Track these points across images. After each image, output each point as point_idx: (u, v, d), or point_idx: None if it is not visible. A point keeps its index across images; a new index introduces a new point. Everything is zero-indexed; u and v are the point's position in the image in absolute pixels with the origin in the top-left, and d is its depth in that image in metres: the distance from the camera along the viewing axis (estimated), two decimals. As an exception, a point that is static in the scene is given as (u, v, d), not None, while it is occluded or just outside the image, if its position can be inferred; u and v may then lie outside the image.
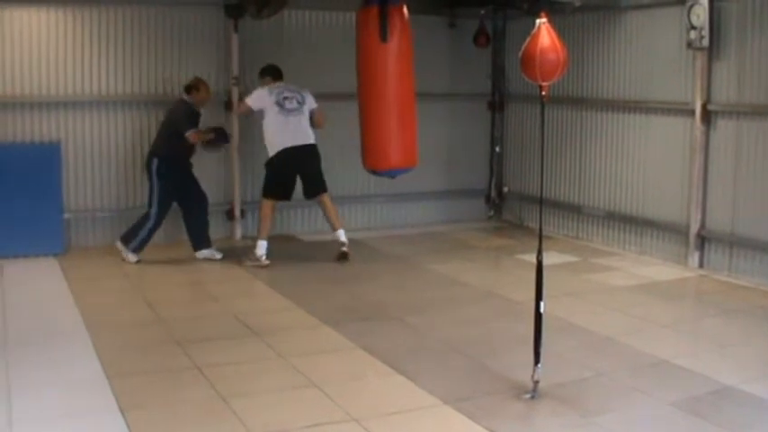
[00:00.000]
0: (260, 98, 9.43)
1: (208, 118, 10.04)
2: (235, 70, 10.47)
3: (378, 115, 7.99)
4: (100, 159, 10.12)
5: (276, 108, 9.35)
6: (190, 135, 9.21)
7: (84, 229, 10.12)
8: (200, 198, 9.67)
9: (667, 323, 7.41)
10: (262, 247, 9.34)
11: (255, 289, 8.56)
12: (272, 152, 9.41)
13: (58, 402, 5.46)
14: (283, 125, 9.35)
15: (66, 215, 9.85)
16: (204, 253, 9.63)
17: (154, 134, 10.07)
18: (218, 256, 9.63)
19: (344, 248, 9.57)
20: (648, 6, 9.74)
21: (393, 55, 7.78)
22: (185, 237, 9.72)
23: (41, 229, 9.55)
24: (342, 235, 9.62)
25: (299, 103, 9.45)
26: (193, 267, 9.29)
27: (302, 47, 10.82)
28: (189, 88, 9.48)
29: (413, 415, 5.35)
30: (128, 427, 5.05)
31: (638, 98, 9.96)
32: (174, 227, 9.89)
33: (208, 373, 5.98)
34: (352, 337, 6.83)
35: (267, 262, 9.30)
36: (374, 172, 8.45)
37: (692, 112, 9.13)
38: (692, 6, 8.83)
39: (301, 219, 11.18)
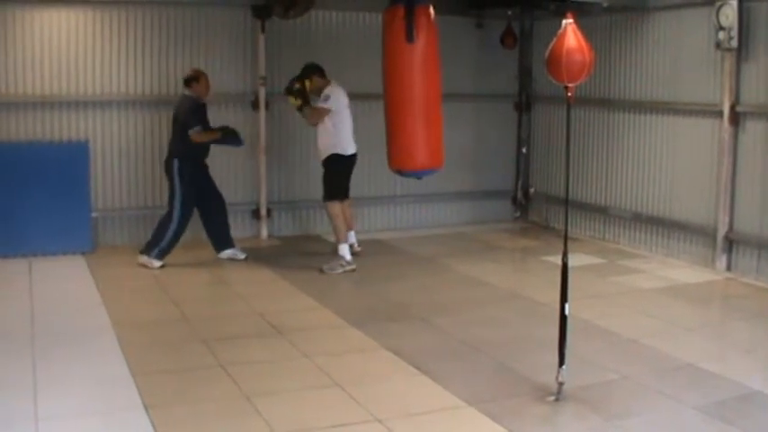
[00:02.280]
0: (339, 98, 9.22)
1: (235, 117, 10.10)
2: (262, 70, 10.51)
3: (403, 116, 8.00)
4: (128, 158, 10.19)
5: (347, 110, 9.27)
6: (193, 134, 9.07)
7: (112, 228, 10.19)
8: (218, 198, 9.61)
9: (693, 326, 7.37)
10: (347, 250, 9.17)
11: (281, 289, 8.57)
12: (350, 151, 9.25)
13: (84, 399, 5.50)
14: (351, 126, 9.30)
15: (93, 214, 9.92)
16: (227, 253, 9.62)
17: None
18: (242, 256, 9.62)
19: (357, 248, 9.64)
20: (676, 7, 9.67)
21: (419, 55, 7.78)
22: (206, 237, 9.70)
23: (69, 227, 9.64)
24: (352, 236, 9.65)
25: None
26: (219, 267, 9.32)
27: (329, 47, 10.83)
28: (188, 81, 9.31)
29: (436, 416, 5.35)
30: (152, 424, 5.08)
31: (666, 99, 9.90)
32: (200, 227, 9.88)
33: (232, 371, 6.01)
34: (376, 337, 6.84)
35: (354, 266, 9.14)
36: (400, 172, 8.46)
37: (721, 114, 9.07)
38: (720, 7, 8.77)
39: (325, 219, 11.17)
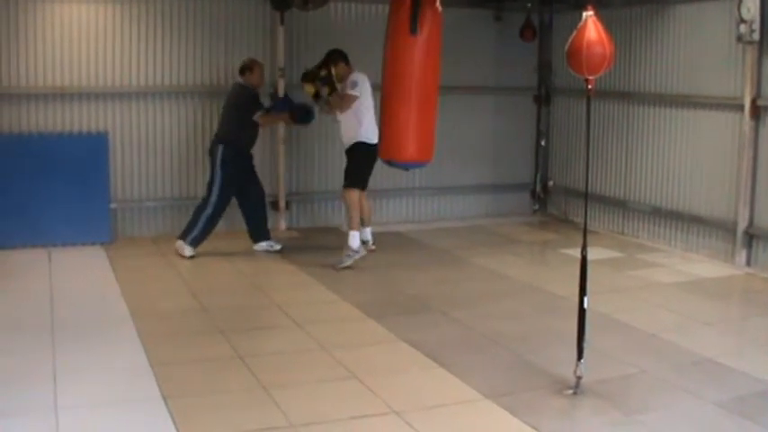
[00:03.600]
0: (364, 85, 9.06)
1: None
2: (281, 62, 10.51)
3: (398, 107, 7.90)
4: (147, 150, 10.22)
5: (371, 98, 9.11)
6: (258, 118, 9.12)
7: (131, 219, 10.23)
8: (259, 190, 9.64)
9: (712, 321, 7.33)
10: (356, 239, 8.99)
11: (300, 280, 8.57)
12: (375, 140, 8.82)
13: (103, 389, 5.52)
14: (374, 115, 9.06)
15: (112, 205, 9.96)
16: (263, 245, 9.62)
17: (200, 124, 10.19)
18: (277, 247, 9.60)
19: (371, 246, 9.51)
20: (697, 0, 9.61)
21: (420, 48, 7.69)
22: (228, 228, 9.74)
23: (89, 217, 9.70)
24: (368, 233, 9.57)
25: None
26: (238, 258, 9.32)
27: (348, 39, 10.81)
28: (243, 70, 9.36)
29: (454, 409, 5.34)
30: (170, 414, 5.10)
31: (686, 93, 9.84)
32: (230, 217, 9.87)
33: (250, 362, 6.02)
34: (394, 329, 6.84)
35: (364, 252, 9.03)
36: (389, 163, 8.32)
37: (741, 108, 9.01)
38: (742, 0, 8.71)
39: (343, 210, 11.19)
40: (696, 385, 5.71)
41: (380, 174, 10.31)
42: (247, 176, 9.50)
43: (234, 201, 9.52)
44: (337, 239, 10.21)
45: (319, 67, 9.29)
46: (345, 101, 9.07)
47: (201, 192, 10.25)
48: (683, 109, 9.92)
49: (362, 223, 9.46)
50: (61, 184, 9.54)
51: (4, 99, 9.54)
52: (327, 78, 9.20)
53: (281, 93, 10.41)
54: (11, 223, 9.37)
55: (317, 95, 9.37)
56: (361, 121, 9.09)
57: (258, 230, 9.67)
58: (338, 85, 9.21)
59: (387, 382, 5.70)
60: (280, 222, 10.81)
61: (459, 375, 5.82)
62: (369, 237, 9.57)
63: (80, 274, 8.64)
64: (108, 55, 9.93)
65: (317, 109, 9.64)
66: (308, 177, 11.01)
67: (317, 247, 9.68)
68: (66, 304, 7.45)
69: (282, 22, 10.47)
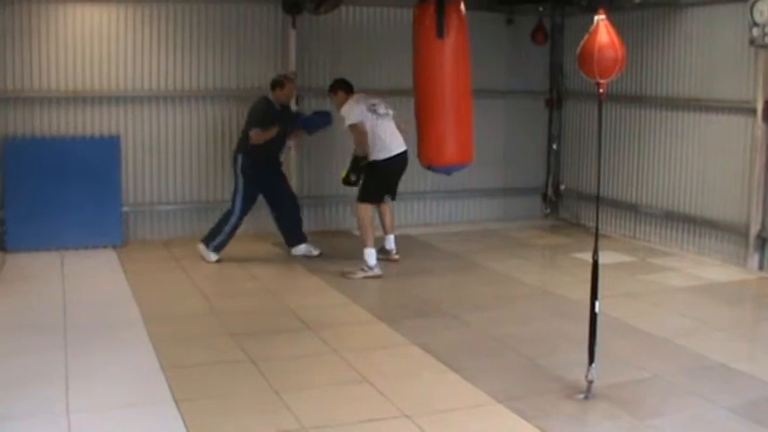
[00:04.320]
0: (356, 111, 8.88)
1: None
2: (293, 66, 10.52)
3: (433, 112, 7.97)
4: (159, 153, 10.25)
5: (372, 114, 8.86)
6: (252, 134, 9.05)
7: (142, 222, 10.26)
8: (289, 195, 9.61)
9: (725, 326, 7.31)
10: (372, 256, 8.77)
11: (311, 284, 8.58)
12: (383, 156, 8.84)
13: (115, 392, 5.53)
14: (390, 129, 8.90)
15: (124, 208, 9.99)
16: (301, 249, 9.59)
17: (212, 128, 10.24)
18: (316, 252, 9.56)
19: (394, 255, 9.46)
20: (710, 3, 9.58)
21: (449, 51, 7.75)
22: (240, 232, 9.73)
23: (101, 221, 9.74)
24: (391, 242, 9.51)
25: (386, 107, 9.03)
26: (249, 262, 9.32)
27: (359, 43, 10.85)
28: (273, 85, 9.30)
29: (465, 413, 5.33)
30: (182, 418, 5.10)
31: (698, 96, 9.81)
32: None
33: (261, 366, 6.02)
34: (406, 333, 6.84)
35: (379, 272, 8.75)
36: (430, 168, 8.42)
37: (754, 111, 8.97)
38: (755, 3, 8.66)
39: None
40: (708, 390, 5.68)
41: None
42: (274, 184, 9.46)
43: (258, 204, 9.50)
44: (349, 242, 10.23)
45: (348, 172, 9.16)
46: (357, 137, 8.88)
47: (213, 195, 10.35)
48: (695, 112, 9.89)
49: (384, 231, 9.44)
50: (73, 188, 9.59)
51: (18, 102, 9.59)
52: (357, 171, 9.07)
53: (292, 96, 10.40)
54: (24, 226, 9.43)
55: (347, 180, 9.20)
56: (374, 142, 8.88)
57: (294, 235, 9.63)
58: (338, 113, 9.16)
59: (398, 386, 5.70)
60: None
61: (471, 379, 5.81)
62: (392, 245, 9.48)
63: (92, 277, 8.66)
64: (121, 59, 9.96)
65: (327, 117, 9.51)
66: (318, 180, 11.01)
67: (328, 250, 9.67)
68: (78, 307, 7.47)
69: (294, 26, 10.47)
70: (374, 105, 8.96)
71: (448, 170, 8.50)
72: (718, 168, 9.61)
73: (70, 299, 7.73)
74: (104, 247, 9.71)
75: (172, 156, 10.31)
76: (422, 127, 8.11)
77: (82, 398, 5.39)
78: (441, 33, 7.67)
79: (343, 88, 9.21)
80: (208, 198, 10.44)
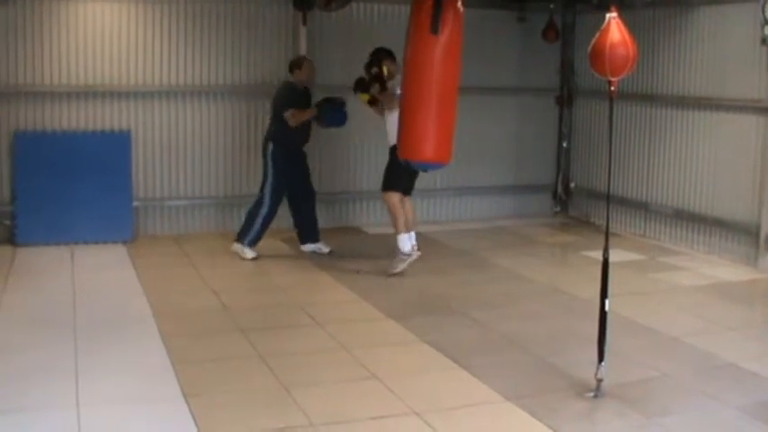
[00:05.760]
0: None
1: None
2: (303, 62, 10.53)
3: (417, 107, 7.85)
4: (169, 148, 10.27)
5: None
6: (288, 116, 9.00)
7: (153, 218, 10.27)
8: (309, 189, 9.55)
9: (735, 325, 7.29)
10: (406, 242, 8.72)
11: (321, 280, 8.59)
12: None
13: (124, 387, 5.56)
14: None
15: (135, 203, 10.00)
16: (311, 246, 9.56)
17: (222, 123, 10.26)
18: (326, 250, 9.53)
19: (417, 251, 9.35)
20: (721, 2, 9.55)
21: (441, 48, 7.65)
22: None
23: (111, 216, 9.75)
24: (413, 238, 9.25)
25: None
26: (260, 257, 9.29)
27: (370, 39, 10.80)
28: (291, 66, 9.31)
29: (474, 410, 5.34)
30: (191, 413, 5.12)
31: (710, 95, 9.79)
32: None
33: (271, 362, 6.03)
34: (415, 330, 6.84)
35: (418, 253, 8.76)
36: (407, 162, 8.26)
37: (765, 110, 8.96)
38: (766, 2, 8.65)
39: (366, 211, 11.22)
40: (718, 390, 5.68)
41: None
42: (299, 175, 9.41)
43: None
44: (359, 240, 10.24)
45: (368, 67, 9.02)
46: (395, 99, 8.63)
47: (224, 191, 10.34)
48: (705, 111, 9.87)
49: (407, 227, 9.18)
50: (84, 182, 9.61)
51: (29, 97, 9.61)
52: (379, 76, 8.89)
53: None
54: (34, 220, 9.45)
55: (371, 102, 9.06)
56: (393, 125, 8.80)
57: (308, 232, 9.58)
58: (389, 83, 8.91)
59: (407, 383, 5.70)
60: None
61: (480, 377, 5.82)
62: (414, 241, 9.34)
63: (102, 272, 8.68)
64: (131, 54, 9.98)
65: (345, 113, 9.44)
66: (330, 177, 10.99)
67: (338, 246, 9.67)
68: (88, 302, 7.49)
69: (305, 23, 10.47)
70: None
71: (425, 167, 8.39)
72: (729, 167, 9.59)
73: (80, 293, 7.75)
74: (114, 241, 9.73)
75: (182, 151, 10.32)
76: (404, 121, 7.98)
77: (91, 392, 5.41)
78: (435, 30, 7.57)
79: (391, 57, 8.95)
80: (218, 193, 10.45)
